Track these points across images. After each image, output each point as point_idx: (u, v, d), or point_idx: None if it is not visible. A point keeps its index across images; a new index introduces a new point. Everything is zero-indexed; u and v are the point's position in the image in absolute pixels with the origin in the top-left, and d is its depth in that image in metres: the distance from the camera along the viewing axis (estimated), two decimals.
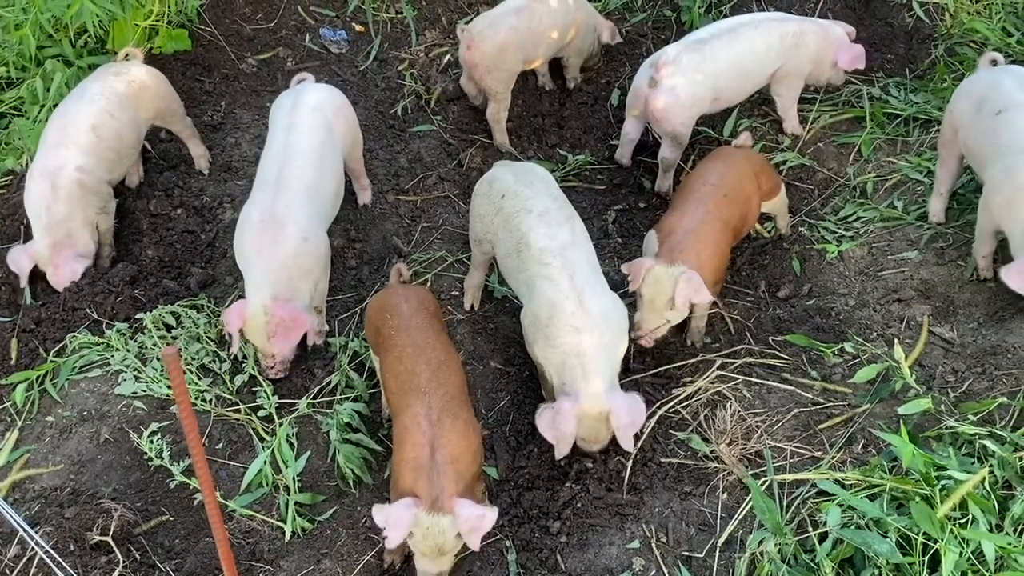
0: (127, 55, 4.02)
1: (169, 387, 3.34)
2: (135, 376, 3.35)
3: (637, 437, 3.10)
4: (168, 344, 3.45)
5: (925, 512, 2.64)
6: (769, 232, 3.91)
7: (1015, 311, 3.40)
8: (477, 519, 2.66)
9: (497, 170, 3.38)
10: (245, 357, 3.38)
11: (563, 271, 3.02)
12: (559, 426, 2.92)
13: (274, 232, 3.25)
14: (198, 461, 1.76)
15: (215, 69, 4.61)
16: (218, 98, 4.50)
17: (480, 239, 3.38)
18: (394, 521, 2.64)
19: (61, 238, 3.59)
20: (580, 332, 2.94)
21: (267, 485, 3.08)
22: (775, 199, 3.69)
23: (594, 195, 4.16)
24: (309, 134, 3.48)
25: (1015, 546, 2.60)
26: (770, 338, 3.50)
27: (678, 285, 3.19)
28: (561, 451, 2.96)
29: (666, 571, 2.86)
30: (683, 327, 3.52)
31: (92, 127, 3.67)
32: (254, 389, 3.31)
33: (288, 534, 2.96)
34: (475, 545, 2.68)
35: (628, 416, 2.93)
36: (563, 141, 4.37)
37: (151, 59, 4.52)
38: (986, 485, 2.72)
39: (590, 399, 2.90)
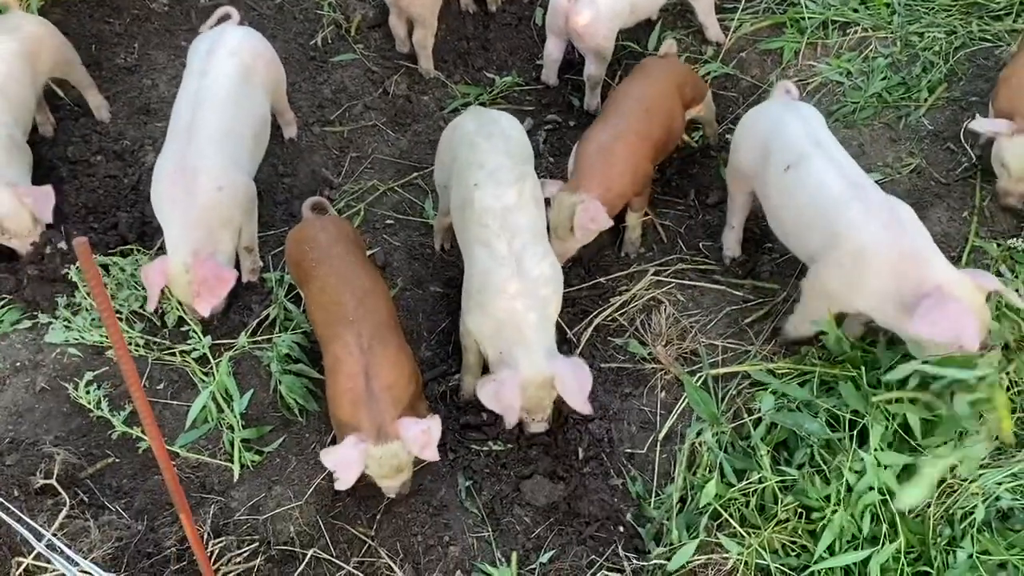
0: (1, 5, 3.79)
1: (103, 336, 3.30)
2: (66, 325, 3.29)
3: (566, 355, 3.13)
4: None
5: (852, 391, 2.76)
6: (697, 142, 3.96)
7: (933, 199, 3.53)
8: (423, 435, 2.70)
9: (464, 116, 3.26)
10: (167, 297, 3.33)
11: (501, 234, 2.89)
12: (502, 398, 2.81)
13: (187, 183, 3.16)
14: (126, 368, 1.75)
15: (124, 10, 4.44)
16: (130, 40, 4.35)
17: (442, 184, 3.29)
18: (344, 463, 2.66)
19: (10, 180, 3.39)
20: (515, 299, 2.82)
21: (212, 420, 3.07)
22: (701, 106, 3.73)
23: (523, 116, 4.15)
24: (223, 79, 3.36)
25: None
26: (701, 243, 3.58)
27: (575, 214, 3.16)
28: (510, 421, 2.85)
29: (612, 470, 2.96)
30: (617, 239, 3.57)
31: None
32: (184, 328, 3.28)
33: (236, 472, 2.97)
34: (433, 456, 2.72)
35: (576, 381, 2.82)
36: (489, 64, 4.33)
37: (55, 2, 4.35)
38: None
39: (532, 367, 2.79)
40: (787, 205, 3.00)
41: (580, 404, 2.83)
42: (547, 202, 3.23)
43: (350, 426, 2.72)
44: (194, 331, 3.25)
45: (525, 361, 2.81)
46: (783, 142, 3.05)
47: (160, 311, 3.32)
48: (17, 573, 2.66)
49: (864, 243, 2.76)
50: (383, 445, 2.68)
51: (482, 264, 2.91)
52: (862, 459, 2.64)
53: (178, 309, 3.27)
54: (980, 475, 2.68)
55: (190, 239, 3.15)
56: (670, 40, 3.72)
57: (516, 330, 2.83)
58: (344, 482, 2.68)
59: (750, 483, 2.73)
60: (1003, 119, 3.29)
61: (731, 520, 2.70)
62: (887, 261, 2.73)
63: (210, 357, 3.21)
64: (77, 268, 3.41)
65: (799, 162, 2.96)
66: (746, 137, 3.25)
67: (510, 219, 2.93)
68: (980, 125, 3.31)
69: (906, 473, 2.65)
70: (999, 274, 3.14)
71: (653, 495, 2.89)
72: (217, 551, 2.78)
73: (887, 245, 2.74)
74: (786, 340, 3.12)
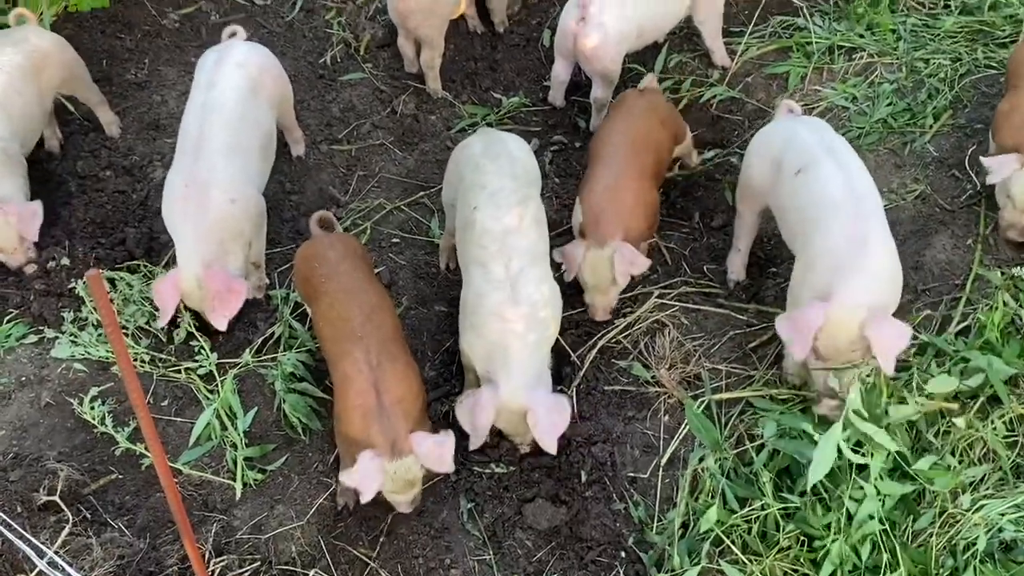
0: (19, 16, 3.80)
1: (109, 351, 3.31)
2: (72, 341, 3.30)
3: (570, 377, 3.14)
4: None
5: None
6: (704, 164, 3.98)
7: (937, 226, 3.54)
8: (438, 447, 2.71)
9: (473, 137, 3.30)
10: (179, 313, 3.34)
11: (499, 257, 2.90)
12: (475, 417, 2.81)
13: (199, 197, 3.19)
14: (134, 394, 1.76)
15: (136, 26, 4.49)
16: (141, 56, 4.39)
17: (449, 203, 3.31)
18: (365, 476, 2.66)
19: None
20: (511, 322, 2.82)
21: (215, 438, 3.08)
22: (683, 144, 3.75)
23: (529, 137, 4.17)
24: (229, 92, 3.39)
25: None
26: (705, 266, 3.59)
27: (614, 265, 3.19)
28: (473, 443, 2.86)
29: (615, 494, 2.96)
30: None
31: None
32: (192, 343, 3.29)
33: (239, 490, 2.98)
34: (447, 469, 2.73)
35: (547, 418, 2.79)
36: (497, 84, 4.36)
37: (67, 18, 4.39)
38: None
39: (511, 392, 2.80)
40: (795, 207, 3.04)
41: (547, 444, 2.82)
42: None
43: (360, 442, 2.72)
44: (202, 347, 3.26)
45: (506, 386, 2.81)
46: (796, 150, 3.10)
47: (167, 327, 3.33)
48: None
49: (823, 250, 2.81)
50: (397, 460, 2.69)
51: (477, 285, 2.93)
52: (861, 487, 2.64)
53: (189, 326, 3.28)
54: (983, 505, 2.67)
55: (202, 252, 3.17)
56: (651, 75, 3.76)
57: (505, 353, 2.84)
58: (367, 494, 2.67)
59: (752, 510, 2.73)
60: (1010, 154, 3.29)
61: (733, 547, 2.69)
62: (827, 271, 2.77)
63: (215, 374, 3.22)
64: (84, 283, 3.43)
65: (809, 166, 3.01)
66: (759, 153, 3.28)
67: (509, 241, 2.94)
68: (993, 175, 3.29)
69: (904, 502, 2.66)
70: (1003, 304, 3.13)
71: (655, 520, 2.89)
72: (218, 570, 2.78)
73: (838, 257, 2.78)
74: (790, 380, 3.09)
